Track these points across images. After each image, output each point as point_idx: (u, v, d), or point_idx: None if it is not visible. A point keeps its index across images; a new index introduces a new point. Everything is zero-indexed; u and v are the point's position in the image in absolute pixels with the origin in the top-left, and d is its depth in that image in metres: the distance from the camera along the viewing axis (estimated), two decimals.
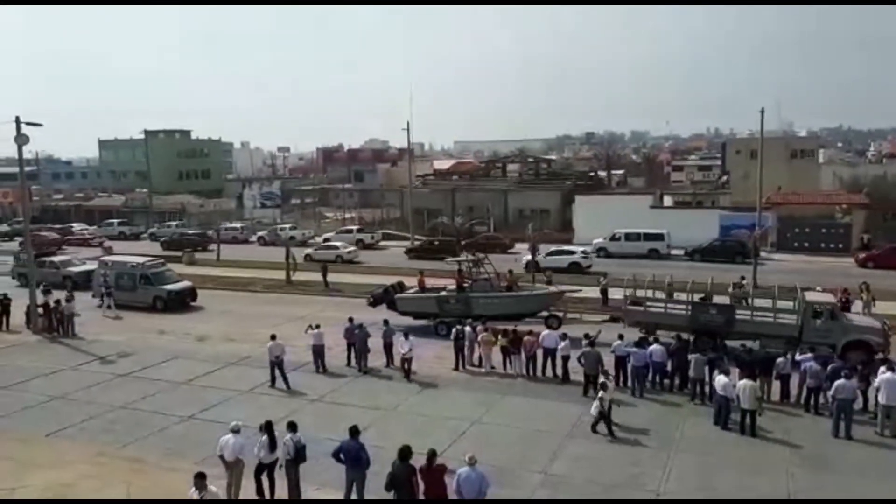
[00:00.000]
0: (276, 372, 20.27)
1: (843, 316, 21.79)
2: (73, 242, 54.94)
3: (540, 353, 20.85)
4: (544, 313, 25.67)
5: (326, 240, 51.14)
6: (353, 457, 12.52)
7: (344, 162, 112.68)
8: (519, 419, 17.51)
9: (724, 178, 72.53)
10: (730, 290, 24.64)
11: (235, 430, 13.17)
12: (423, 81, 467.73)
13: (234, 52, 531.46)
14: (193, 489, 11.08)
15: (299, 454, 12.99)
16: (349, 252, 46.36)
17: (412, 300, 26.84)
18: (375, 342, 21.76)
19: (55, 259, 38.54)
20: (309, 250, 46.45)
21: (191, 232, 56.78)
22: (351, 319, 22.34)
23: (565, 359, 20.24)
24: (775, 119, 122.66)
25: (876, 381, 16.55)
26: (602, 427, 16.28)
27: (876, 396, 16.58)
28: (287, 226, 58.27)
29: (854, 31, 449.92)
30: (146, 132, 70.17)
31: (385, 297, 26.93)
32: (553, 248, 42.49)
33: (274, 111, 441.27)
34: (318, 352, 21.59)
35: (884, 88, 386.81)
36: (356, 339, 21.78)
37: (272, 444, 13.11)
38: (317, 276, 36.39)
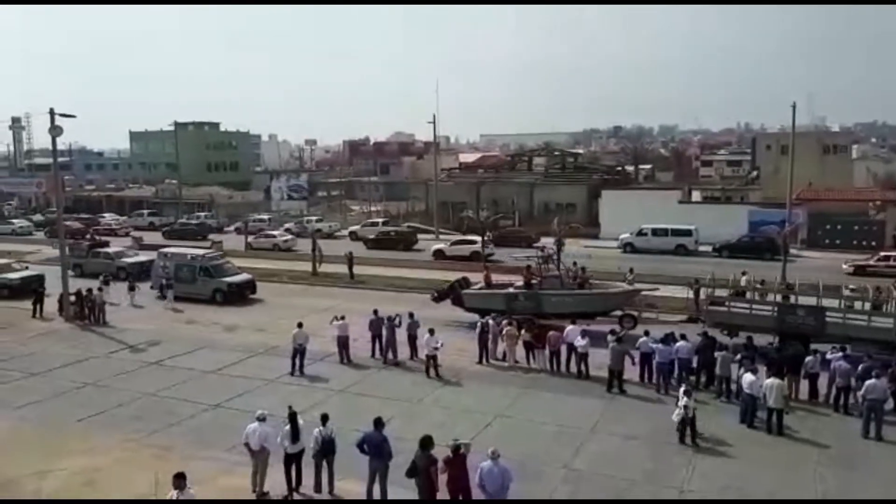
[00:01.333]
0: (297, 360, 20.66)
1: None
2: (100, 232, 55.82)
3: (564, 348, 20.80)
4: (618, 312, 25.06)
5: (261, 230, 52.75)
6: (376, 448, 12.65)
7: (370, 155, 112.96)
8: (542, 414, 17.49)
9: (754, 173, 71.37)
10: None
11: (261, 419, 13.35)
12: (449, 74, 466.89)
13: (262, 46, 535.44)
14: (174, 490, 10.95)
15: (326, 446, 13.13)
16: (286, 241, 48.58)
17: (480, 297, 26.24)
18: (401, 334, 21.88)
19: (109, 250, 38.92)
20: (250, 238, 48.21)
21: (193, 223, 57.75)
22: (376, 311, 22.47)
23: (583, 356, 20.15)
24: (807, 114, 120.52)
25: None
26: (683, 434, 15.68)
27: None
28: (314, 218, 58.71)
29: (887, 25, 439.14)
30: (176, 124, 70.93)
31: (450, 293, 26.53)
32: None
33: (301, 105, 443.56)
34: (343, 343, 21.79)
35: None
36: (383, 330, 21.95)
37: (294, 434, 13.25)
38: (343, 269, 36.62)
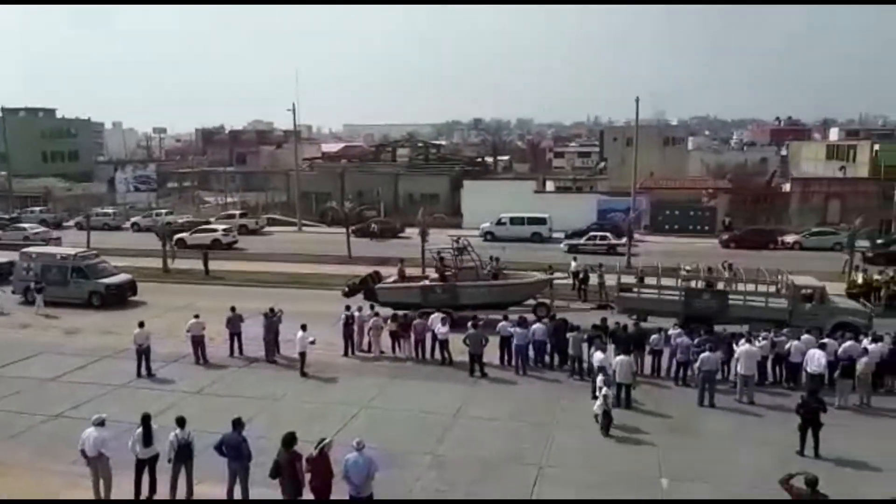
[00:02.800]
0: (142, 361, 19.67)
1: (829, 299, 22.77)
2: None
3: (429, 336, 21.13)
4: (532, 301, 25.43)
5: (207, 222, 49.04)
6: (234, 449, 12.25)
7: (225, 144, 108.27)
8: (408, 402, 17.69)
9: (602, 164, 75.88)
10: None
11: (98, 423, 12.54)
12: (311, 62, 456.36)
13: (101, 25, 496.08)
14: None
15: (183, 450, 12.53)
16: (228, 235, 44.45)
17: (394, 290, 25.72)
18: (252, 331, 21.27)
19: None
20: (184, 234, 44.32)
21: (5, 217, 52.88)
22: (233, 309, 21.68)
23: (444, 342, 20.59)
24: (650, 108, 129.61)
25: (736, 353, 18.01)
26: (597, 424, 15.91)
27: (736, 367, 18.03)
28: (163, 211, 55.47)
29: (720, 27, 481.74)
30: (3, 110, 64.33)
31: (362, 288, 25.75)
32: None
33: (149, 90, 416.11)
34: (198, 342, 20.81)
35: (744, 81, 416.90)
36: (241, 327, 21.25)
37: (147, 439, 12.55)
38: (197, 264, 34.96)
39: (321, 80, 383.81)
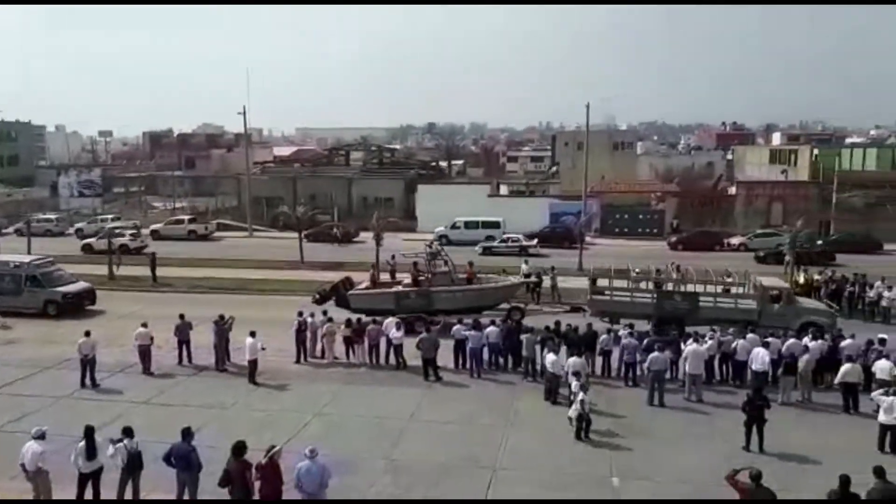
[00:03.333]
0: (87, 371, 19.07)
1: (797, 300, 23.32)
2: None
3: (383, 341, 21.03)
4: (505, 305, 25.40)
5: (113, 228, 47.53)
6: (183, 459, 11.98)
7: (174, 147, 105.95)
8: (362, 408, 17.57)
9: (554, 168, 76.91)
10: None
11: (38, 437, 12.12)
12: (262, 64, 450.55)
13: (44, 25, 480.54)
14: None
15: (131, 462, 12.19)
16: (135, 240, 43.53)
17: (367, 297, 25.28)
18: (201, 338, 20.85)
19: None
20: (90, 240, 43.34)
21: None
22: (182, 316, 21.22)
23: (398, 347, 20.55)
24: (600, 113, 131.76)
25: (684, 353, 18.41)
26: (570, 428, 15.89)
27: (684, 366, 18.44)
28: (109, 216, 53.96)
29: (669, 34, 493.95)
30: None
31: (333, 295, 25.22)
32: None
33: (95, 93, 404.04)
34: (145, 352, 20.26)
35: (692, 86, 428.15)
36: (188, 336, 20.88)
37: (90, 451, 12.16)
38: (145, 271, 34.11)
39: (273, 83, 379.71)
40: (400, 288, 25.53)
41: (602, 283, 24.66)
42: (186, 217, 53.15)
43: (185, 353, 20.99)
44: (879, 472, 11.08)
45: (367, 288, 26.29)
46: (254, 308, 26.64)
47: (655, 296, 23.20)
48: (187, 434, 12.27)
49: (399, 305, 24.32)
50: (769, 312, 22.29)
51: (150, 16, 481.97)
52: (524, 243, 42.82)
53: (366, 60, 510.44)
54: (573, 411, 15.65)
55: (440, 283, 25.07)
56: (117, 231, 43.12)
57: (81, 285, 28.89)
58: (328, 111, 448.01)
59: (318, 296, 25.26)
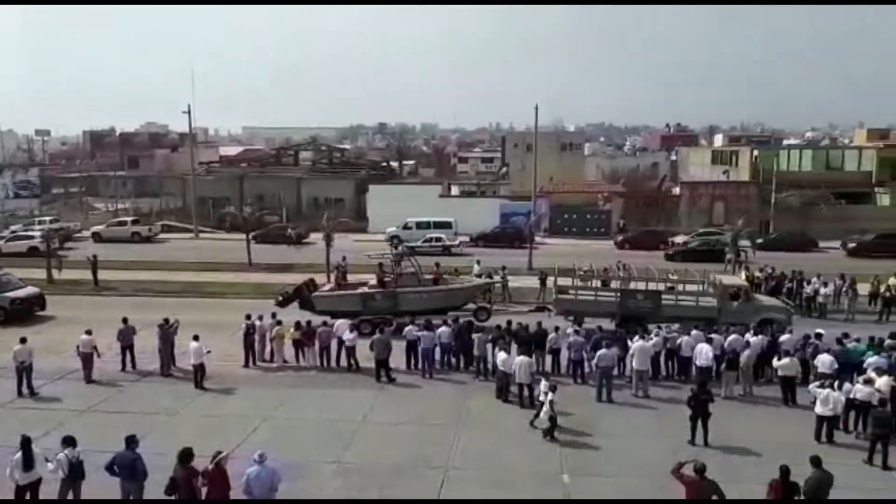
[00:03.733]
0: (23, 379, 18.38)
1: (755, 297, 23.78)
2: None
3: (334, 343, 20.85)
4: (472, 306, 25.31)
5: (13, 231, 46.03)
6: (128, 468, 11.64)
7: (116, 147, 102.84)
8: (312, 411, 17.40)
9: (504, 169, 77.47)
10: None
11: None
12: (209, 61, 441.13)
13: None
14: None
15: (75, 471, 11.77)
16: (45, 242, 40.59)
17: (333, 299, 24.85)
18: (145, 343, 20.33)
19: None
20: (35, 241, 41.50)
21: None
22: (125, 320, 20.64)
23: (351, 349, 20.41)
24: (548, 115, 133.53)
25: (630, 349, 18.79)
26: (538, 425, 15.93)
27: (631, 362, 18.82)
28: (47, 218, 52.07)
29: (615, 39, 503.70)
30: None
31: (297, 297, 24.73)
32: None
33: (32, 90, 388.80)
34: (87, 358, 19.58)
35: (638, 88, 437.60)
36: (131, 340, 20.34)
37: (27, 463, 11.71)
38: (86, 275, 33.03)
39: (220, 81, 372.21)
40: (366, 289, 25.25)
41: (564, 282, 25.05)
42: (129, 218, 51.73)
43: (128, 358, 20.41)
44: (816, 461, 11.54)
45: (331, 289, 25.97)
46: (200, 311, 26.10)
47: (619, 295, 23.55)
48: (131, 441, 11.92)
49: (365, 307, 24.15)
50: (728, 310, 22.78)
51: (91, 12, 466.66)
52: (447, 243, 43.19)
53: (315, 59, 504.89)
54: (544, 413, 15.56)
55: (407, 284, 24.93)
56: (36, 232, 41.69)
57: (31, 290, 27.80)
58: (276, 111, 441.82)
59: (280, 298, 24.87)
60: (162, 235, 50.66)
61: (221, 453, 11.40)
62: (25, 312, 26.58)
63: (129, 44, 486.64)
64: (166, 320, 20.52)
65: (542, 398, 16.01)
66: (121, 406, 17.74)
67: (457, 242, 43.84)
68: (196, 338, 19.25)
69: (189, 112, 52.39)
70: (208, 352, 19.26)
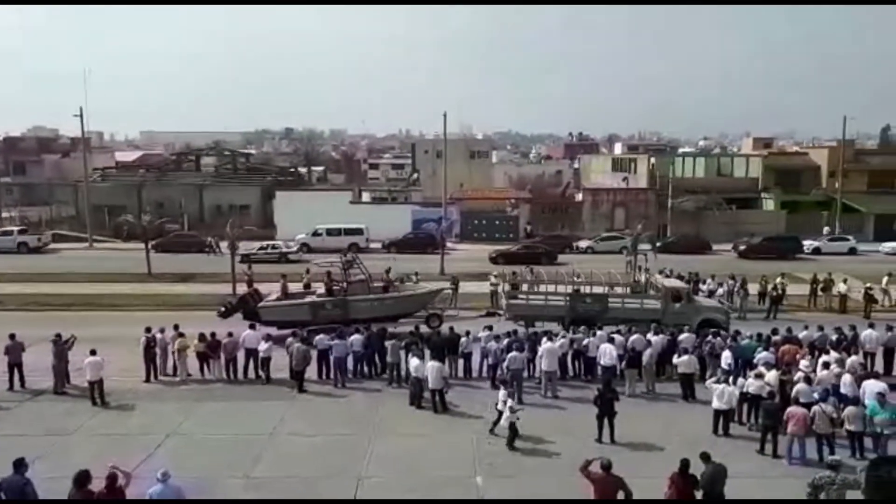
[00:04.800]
0: None
1: (695, 300, 24.47)
2: None
3: (241, 354, 20.25)
4: (423, 312, 25.01)
5: None
6: (17, 494, 10.85)
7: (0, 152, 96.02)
8: (219, 425, 16.81)
9: (415, 175, 77.69)
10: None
11: None
12: (103, 60, 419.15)
13: None
14: None
15: None
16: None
17: (280, 308, 23.93)
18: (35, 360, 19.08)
19: None
20: None
21: None
22: (13, 336, 19.30)
23: (266, 360, 19.92)
24: (457, 123, 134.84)
25: (539, 351, 19.21)
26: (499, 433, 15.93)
27: (540, 364, 19.24)
28: None
29: (520, 48, 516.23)
30: None
31: (241, 307, 23.69)
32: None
33: None
34: None
35: (544, 98, 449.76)
36: (20, 357, 19.03)
37: None
38: None
39: (114, 82, 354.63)
40: (315, 298, 24.64)
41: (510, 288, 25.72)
42: (16, 228, 48.40)
43: (16, 376, 19.07)
44: (705, 456, 12.12)
45: (277, 299, 25.15)
46: (97, 325, 24.69)
47: (569, 299, 24.04)
48: (20, 465, 11.11)
49: (315, 316, 23.63)
50: (671, 311, 23.58)
51: None
52: (284, 250, 43.32)
53: (215, 61, 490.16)
54: (505, 420, 15.50)
55: (357, 291, 24.47)
56: None
57: None
58: (175, 114, 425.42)
59: (223, 309, 24.16)
60: (53, 245, 47.78)
61: (115, 469, 10.76)
62: None
63: (16, 44, 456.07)
64: (59, 335, 19.30)
65: (500, 406, 15.86)
66: (9, 428, 16.52)
67: (294, 249, 43.93)
68: (93, 352, 18.24)
69: (81, 115, 49.71)
70: (101, 367, 18.19)
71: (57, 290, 32.27)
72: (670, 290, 24.56)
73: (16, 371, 19.11)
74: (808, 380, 16.44)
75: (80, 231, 50.82)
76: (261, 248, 42.57)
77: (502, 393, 16.21)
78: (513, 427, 15.48)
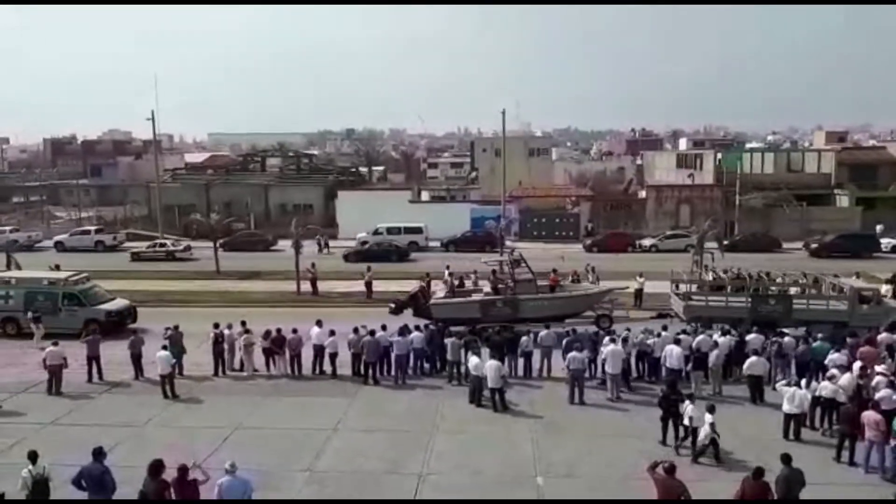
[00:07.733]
0: None
1: (885, 301, 23.44)
2: None
3: (307, 350, 20.65)
4: (591, 313, 24.71)
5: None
6: (96, 481, 11.36)
7: (78, 155, 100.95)
8: (283, 420, 17.20)
9: (474, 174, 77.69)
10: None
11: None
12: (173, 67, 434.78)
13: None
14: None
15: (38, 488, 11.44)
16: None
17: (451, 306, 24.21)
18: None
19: None
20: None
21: None
22: (94, 330, 20.29)
23: (333, 356, 20.26)
24: (515, 120, 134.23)
25: (602, 353, 18.92)
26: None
27: (603, 366, 18.96)
28: (7, 228, 50.84)
29: (577, 46, 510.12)
30: None
31: (412, 304, 24.14)
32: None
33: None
34: (55, 371, 19.08)
35: (605, 94, 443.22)
36: (97, 351, 19.91)
37: None
38: None
39: (184, 87, 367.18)
40: (483, 296, 24.69)
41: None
42: (93, 227, 50.71)
43: (94, 369, 19.98)
44: (786, 458, 11.74)
45: (445, 296, 25.30)
46: (168, 320, 25.52)
47: (750, 300, 23.37)
48: (99, 454, 11.65)
49: (486, 314, 23.57)
50: (859, 313, 22.53)
51: (52, 16, 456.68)
52: (171, 248, 44.45)
53: (281, 64, 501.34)
54: (705, 434, 14.42)
55: (524, 290, 24.16)
56: None
57: (122, 302, 26.80)
58: (242, 116, 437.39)
59: (393, 305, 24.43)
60: (127, 244, 49.77)
61: (194, 463, 11.21)
62: (119, 325, 25.31)
63: (92, 49, 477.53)
64: (134, 331, 20.15)
65: (686, 421, 14.87)
66: (87, 418, 17.32)
67: (181, 248, 44.77)
68: (165, 347, 18.98)
69: (153, 119, 51.68)
70: (174, 363, 18.97)
71: (129, 287, 33.51)
72: (858, 292, 23.45)
73: (94, 364, 20.01)
74: (892, 384, 15.61)
75: (152, 230, 52.81)
76: (149, 247, 44.41)
77: (690, 407, 14.92)
78: (714, 442, 14.54)
